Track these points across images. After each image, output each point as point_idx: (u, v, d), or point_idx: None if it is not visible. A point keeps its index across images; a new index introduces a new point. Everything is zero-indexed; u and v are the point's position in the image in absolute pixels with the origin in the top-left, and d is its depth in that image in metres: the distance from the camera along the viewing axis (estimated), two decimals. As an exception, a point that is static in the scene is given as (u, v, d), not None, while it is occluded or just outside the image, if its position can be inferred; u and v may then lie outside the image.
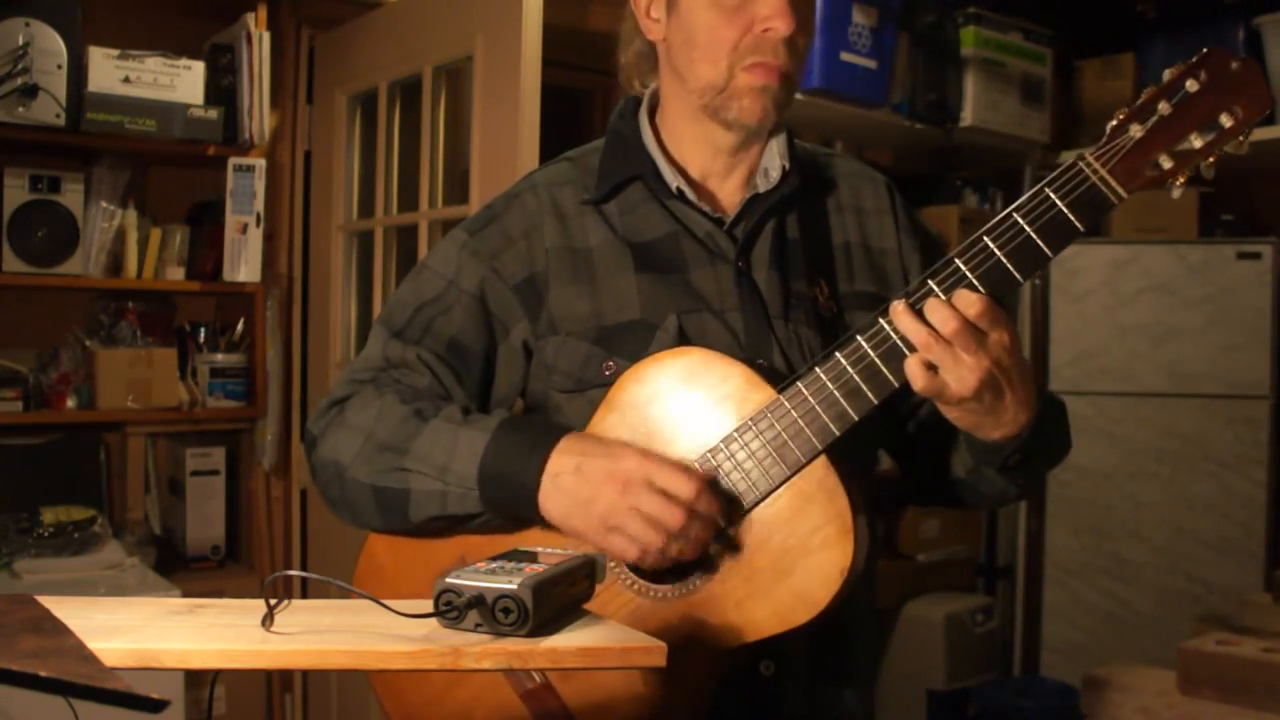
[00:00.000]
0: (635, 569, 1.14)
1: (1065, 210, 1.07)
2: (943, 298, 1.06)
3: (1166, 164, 1.08)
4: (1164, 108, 1.08)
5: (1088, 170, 1.07)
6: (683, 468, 1.09)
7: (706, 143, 1.27)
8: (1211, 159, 1.08)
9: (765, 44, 1.19)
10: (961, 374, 1.04)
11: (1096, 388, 3.27)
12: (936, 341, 1.04)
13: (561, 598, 0.90)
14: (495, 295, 1.27)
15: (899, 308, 1.06)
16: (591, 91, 3.37)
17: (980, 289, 1.06)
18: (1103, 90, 3.58)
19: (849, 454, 1.14)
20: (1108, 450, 3.26)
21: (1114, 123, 1.09)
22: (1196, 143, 1.08)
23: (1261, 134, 2.97)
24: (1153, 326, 3.23)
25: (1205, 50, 1.08)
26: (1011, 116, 3.42)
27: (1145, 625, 3.20)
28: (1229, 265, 3.17)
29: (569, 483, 1.09)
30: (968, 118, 3.33)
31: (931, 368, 1.05)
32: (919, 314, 1.05)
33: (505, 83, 2.32)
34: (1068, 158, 1.10)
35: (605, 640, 0.86)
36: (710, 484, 1.09)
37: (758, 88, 1.20)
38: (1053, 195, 1.07)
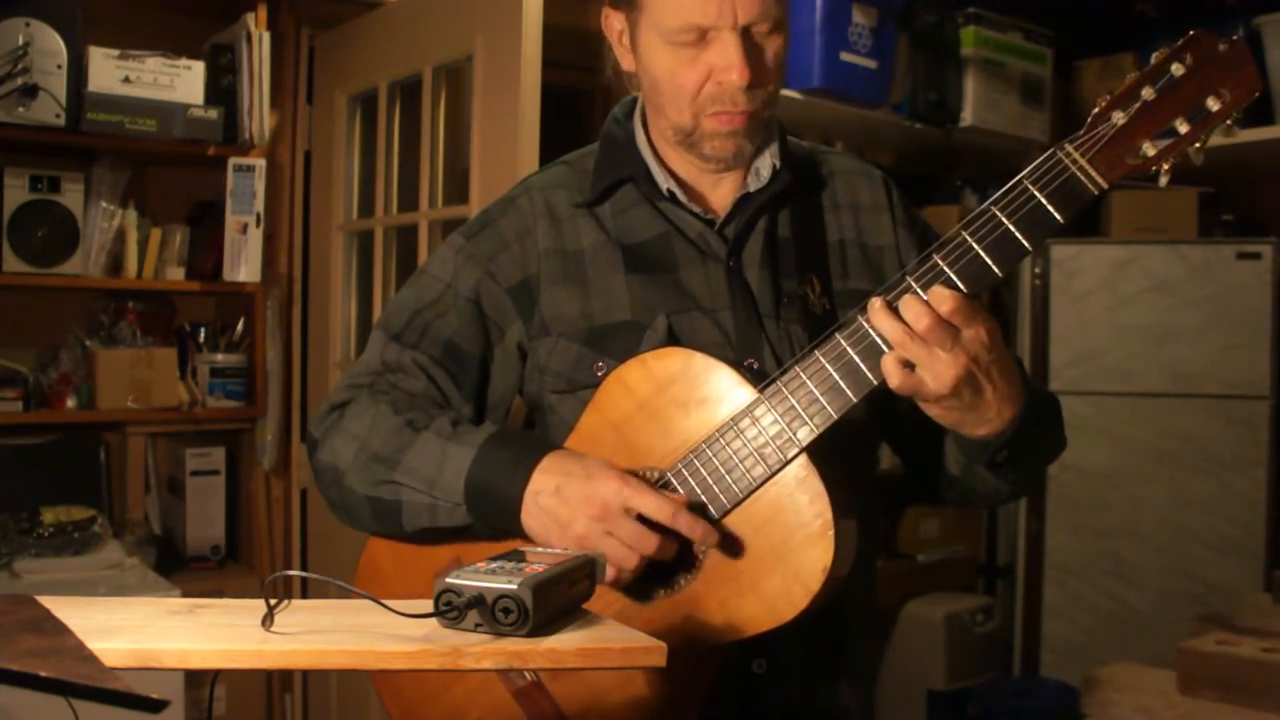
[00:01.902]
0: None
1: (1044, 201, 1.05)
2: (921, 295, 1.05)
3: (1150, 151, 1.05)
4: (1148, 93, 1.05)
5: (1066, 160, 1.06)
6: (660, 494, 1.09)
7: (690, 164, 1.28)
8: (1199, 145, 1.05)
9: (724, 94, 1.18)
10: (938, 371, 1.03)
11: (1096, 388, 3.27)
12: (911, 339, 1.03)
13: (561, 598, 0.90)
14: (490, 298, 1.28)
15: (876, 305, 1.06)
16: (591, 91, 3.36)
17: (959, 283, 1.05)
18: (1103, 90, 3.56)
19: (843, 453, 1.14)
20: (1108, 450, 3.26)
21: (1096, 110, 1.07)
22: (1183, 128, 1.05)
23: (1261, 134, 2.97)
24: (1153, 327, 3.22)
25: (1192, 32, 1.05)
26: (1011, 116, 3.41)
27: (1145, 625, 3.20)
28: (1229, 265, 3.16)
29: (549, 503, 1.10)
30: (968, 118, 3.33)
31: (909, 365, 1.04)
32: (895, 311, 1.04)
33: (505, 83, 2.32)
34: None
35: (605, 640, 0.86)
36: (689, 506, 1.10)
37: (724, 133, 1.21)
38: (1031, 187, 1.06)
